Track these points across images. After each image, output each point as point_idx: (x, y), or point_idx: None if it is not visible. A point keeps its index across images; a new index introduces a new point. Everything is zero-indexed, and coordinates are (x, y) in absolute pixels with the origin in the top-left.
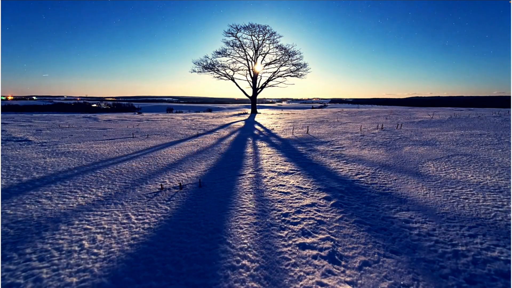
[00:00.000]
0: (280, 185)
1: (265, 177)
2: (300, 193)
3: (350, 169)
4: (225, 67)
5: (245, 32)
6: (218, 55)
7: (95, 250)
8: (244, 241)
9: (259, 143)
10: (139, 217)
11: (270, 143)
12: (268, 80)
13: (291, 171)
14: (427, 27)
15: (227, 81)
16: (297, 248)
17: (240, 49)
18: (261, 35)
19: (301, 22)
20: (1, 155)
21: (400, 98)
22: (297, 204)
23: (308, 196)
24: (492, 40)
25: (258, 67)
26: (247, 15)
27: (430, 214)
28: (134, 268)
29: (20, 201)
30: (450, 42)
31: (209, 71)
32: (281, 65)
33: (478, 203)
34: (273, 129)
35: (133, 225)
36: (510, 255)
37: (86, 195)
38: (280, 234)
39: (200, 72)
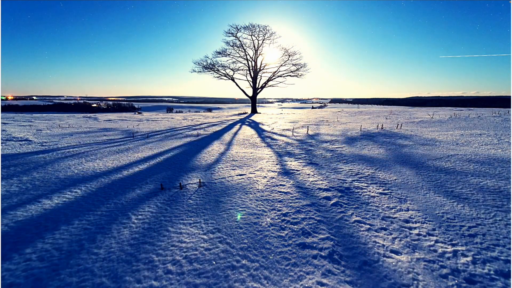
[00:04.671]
0: (280, 184)
1: (265, 176)
2: (300, 193)
3: (350, 169)
4: (225, 67)
5: (245, 32)
6: (218, 55)
7: (95, 250)
8: (244, 241)
9: (259, 143)
10: (139, 217)
11: (270, 143)
12: (268, 80)
13: (291, 171)
14: (428, 26)
15: (227, 81)
16: (297, 248)
17: (240, 49)
18: (261, 35)
19: (301, 21)
20: (1, 155)
21: (400, 98)
22: (297, 204)
23: (308, 196)
24: (492, 40)
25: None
26: (247, 15)
27: (430, 214)
28: (135, 268)
29: (20, 200)
30: (452, 42)
31: (209, 71)
32: (281, 65)
33: (478, 203)
34: (273, 128)
35: (133, 225)
36: (510, 255)
37: (86, 195)
38: (280, 234)
39: (200, 72)
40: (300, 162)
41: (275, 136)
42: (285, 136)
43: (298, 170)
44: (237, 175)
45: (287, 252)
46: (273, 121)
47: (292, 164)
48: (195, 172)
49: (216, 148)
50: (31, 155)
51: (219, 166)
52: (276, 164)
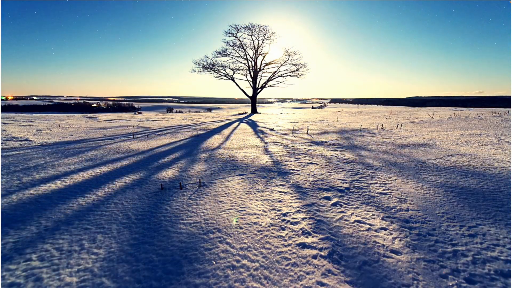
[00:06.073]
0: (280, 184)
1: (265, 176)
2: (300, 192)
3: (350, 169)
4: (225, 67)
5: (245, 32)
6: (218, 55)
7: (96, 250)
8: (244, 241)
9: (259, 143)
10: (139, 217)
11: (270, 143)
12: (268, 80)
13: (291, 171)
14: (428, 26)
15: (227, 81)
16: (297, 247)
17: (240, 49)
18: (261, 35)
19: (301, 21)
20: (1, 155)
21: (400, 98)
22: (297, 203)
23: (308, 195)
24: (492, 40)
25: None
26: (247, 15)
27: (429, 214)
28: (135, 268)
29: (20, 201)
30: (451, 42)
31: (209, 71)
32: (281, 65)
33: (477, 203)
34: (273, 128)
35: (133, 225)
36: (510, 255)
37: (86, 194)
38: (280, 233)
39: (200, 72)
40: (300, 162)
41: (275, 136)
42: (285, 136)
43: (298, 170)
44: (237, 175)
45: (287, 252)
46: (273, 121)
47: (292, 164)
48: (195, 172)
49: (215, 148)
50: (31, 154)
51: (219, 166)
52: (276, 164)
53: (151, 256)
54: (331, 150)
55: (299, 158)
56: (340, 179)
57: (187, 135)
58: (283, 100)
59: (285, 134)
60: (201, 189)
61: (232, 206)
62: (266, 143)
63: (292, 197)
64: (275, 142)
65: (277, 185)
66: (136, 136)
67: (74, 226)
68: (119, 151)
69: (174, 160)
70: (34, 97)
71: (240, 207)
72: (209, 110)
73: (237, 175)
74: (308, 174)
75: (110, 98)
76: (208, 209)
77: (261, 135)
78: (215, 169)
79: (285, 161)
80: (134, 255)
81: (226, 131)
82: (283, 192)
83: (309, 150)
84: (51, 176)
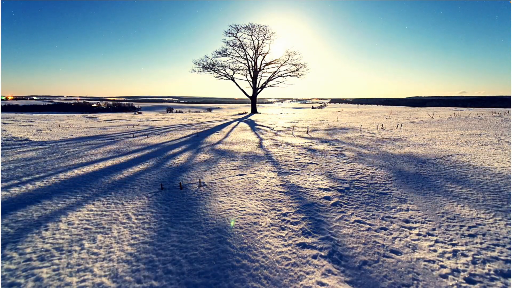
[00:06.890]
0: (280, 184)
1: (265, 176)
2: (300, 192)
3: (350, 169)
4: (225, 67)
5: (245, 32)
6: (218, 55)
7: (96, 249)
8: (244, 241)
9: (259, 143)
10: (139, 217)
11: (269, 143)
12: (268, 80)
13: (291, 171)
14: (427, 26)
15: (227, 81)
16: (297, 247)
17: (240, 49)
18: (261, 35)
19: (302, 20)
20: (1, 155)
21: (400, 98)
22: (297, 203)
23: (308, 195)
24: (492, 39)
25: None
26: (247, 15)
27: (429, 214)
28: (135, 268)
29: (20, 200)
30: (450, 42)
31: (209, 71)
32: (281, 65)
33: (478, 203)
34: (273, 129)
35: (133, 225)
36: (510, 255)
37: (86, 194)
38: (280, 233)
39: (200, 72)
40: (300, 162)
41: (275, 136)
42: (285, 136)
43: (298, 170)
44: (237, 175)
45: (287, 252)
46: (273, 121)
47: (291, 164)
48: (195, 171)
49: (215, 148)
50: (31, 154)
51: (219, 166)
52: (276, 164)
53: (151, 256)
54: (331, 150)
55: (298, 159)
56: (340, 179)
57: (187, 134)
58: (283, 100)
59: (283, 133)
60: (201, 189)
61: (232, 206)
62: (263, 140)
63: (292, 196)
64: (274, 140)
65: (277, 185)
66: (136, 135)
67: (75, 226)
68: (119, 151)
69: (173, 158)
70: (34, 97)
71: (240, 207)
72: (209, 110)
73: (237, 175)
74: (309, 175)
75: (110, 98)
76: (208, 209)
77: (261, 135)
78: (215, 168)
79: (285, 161)
80: (134, 255)
81: (226, 130)
82: (283, 193)
83: (309, 149)
84: (51, 175)
